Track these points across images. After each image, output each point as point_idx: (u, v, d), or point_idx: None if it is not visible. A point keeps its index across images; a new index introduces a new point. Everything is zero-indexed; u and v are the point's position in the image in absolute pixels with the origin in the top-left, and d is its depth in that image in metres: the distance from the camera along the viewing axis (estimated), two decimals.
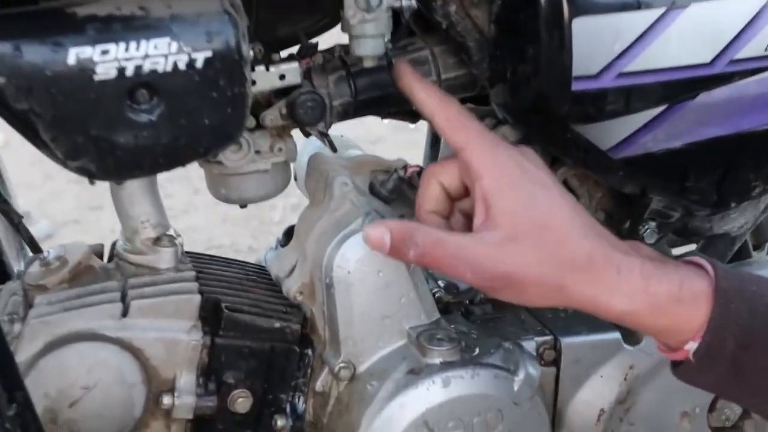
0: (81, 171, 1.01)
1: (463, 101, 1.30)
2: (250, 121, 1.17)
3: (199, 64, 0.98)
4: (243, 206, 1.27)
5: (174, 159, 1.03)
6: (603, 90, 1.08)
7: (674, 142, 1.14)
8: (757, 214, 1.32)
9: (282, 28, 1.22)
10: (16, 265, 1.39)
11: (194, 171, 1.22)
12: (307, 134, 1.25)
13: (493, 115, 1.27)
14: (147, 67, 0.96)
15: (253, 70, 1.10)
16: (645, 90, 1.09)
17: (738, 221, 1.31)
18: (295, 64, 1.13)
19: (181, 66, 0.97)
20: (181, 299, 1.18)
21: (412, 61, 1.22)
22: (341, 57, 1.21)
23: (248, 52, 1.01)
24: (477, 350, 1.18)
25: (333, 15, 1.21)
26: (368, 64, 1.12)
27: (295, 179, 1.41)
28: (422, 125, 1.48)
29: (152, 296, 1.17)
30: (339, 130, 1.27)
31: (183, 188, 3.30)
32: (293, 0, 1.28)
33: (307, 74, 1.16)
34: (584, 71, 1.07)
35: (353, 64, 1.21)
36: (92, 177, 1.03)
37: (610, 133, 1.12)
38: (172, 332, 1.17)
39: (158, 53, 0.96)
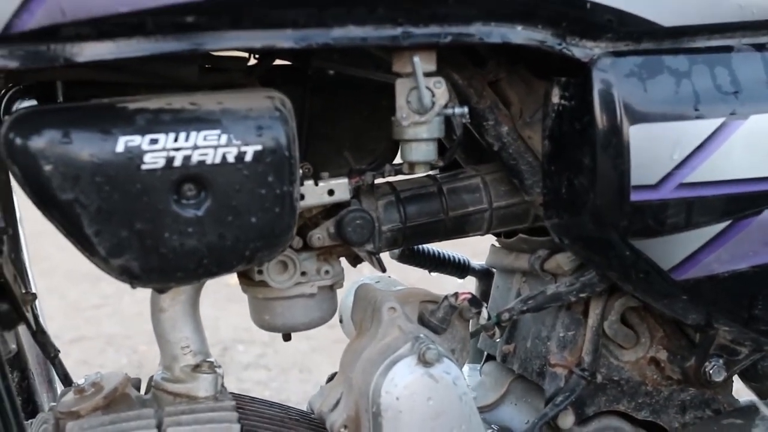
0: (123, 271, 0.97)
1: (514, 233, 1.27)
2: (297, 242, 1.14)
3: (248, 158, 0.96)
4: (287, 338, 1.23)
5: (220, 262, 1.00)
6: (663, 201, 1.05)
7: (740, 263, 1.09)
8: None
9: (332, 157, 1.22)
10: (47, 400, 1.33)
11: None
12: (354, 262, 1.22)
13: (546, 246, 1.23)
14: (196, 158, 0.94)
15: (301, 184, 1.09)
16: (707, 203, 1.05)
17: None
18: (344, 180, 1.11)
19: (230, 159, 0.95)
20: (219, 428, 1.11)
21: (464, 189, 1.20)
22: (390, 183, 1.19)
23: (297, 152, 0.99)
24: None
25: (384, 158, 1.21)
26: (420, 170, 1.09)
27: (341, 321, 1.37)
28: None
29: (189, 424, 1.11)
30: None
31: None
32: (342, 139, 1.29)
33: (356, 194, 1.14)
34: (643, 181, 1.04)
35: (403, 189, 1.19)
36: (134, 279, 0.99)
37: (671, 251, 1.08)
38: None
39: (208, 144, 0.95)
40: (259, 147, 0.97)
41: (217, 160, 0.95)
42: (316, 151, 1.31)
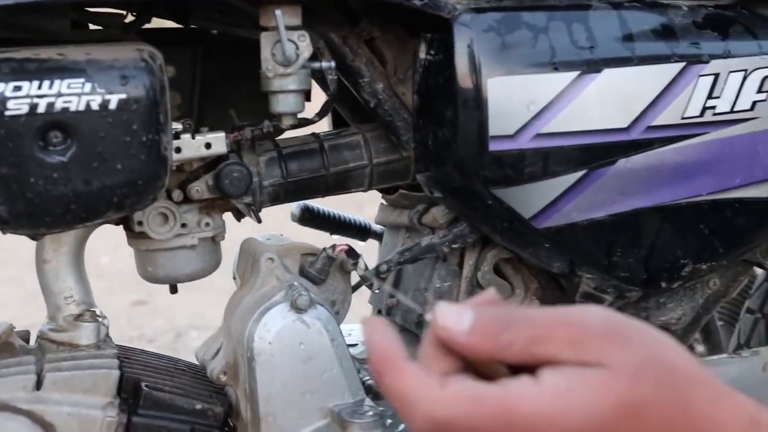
0: None
1: (396, 189, 1.32)
2: (178, 195, 1.18)
3: (112, 106, 1.00)
4: (173, 290, 1.26)
5: (88, 208, 1.03)
6: (521, 151, 1.09)
7: (597, 212, 1.14)
8: (695, 306, 1.29)
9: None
10: None
11: None
12: (239, 216, 1.26)
13: (424, 200, 1.27)
14: (59, 105, 0.98)
15: (178, 138, 1.12)
16: (563, 152, 1.10)
17: (675, 312, 1.28)
18: (221, 134, 1.15)
19: (95, 106, 0.99)
20: (98, 374, 1.14)
21: (345, 146, 1.24)
22: (274, 141, 1.23)
23: (166, 103, 1.03)
24: (401, 427, 1.14)
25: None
26: (288, 122, 1.13)
27: (234, 278, 1.40)
28: None
29: (69, 370, 1.14)
30: None
31: None
32: (240, 104, 1.32)
33: (236, 149, 1.18)
34: (501, 131, 1.08)
35: (285, 146, 1.23)
36: (3, 225, 1.02)
37: (531, 200, 1.12)
38: (86, 408, 1.13)
39: (72, 92, 0.98)
40: (123, 96, 1.00)
41: (81, 108, 0.99)
42: (214, 116, 1.35)
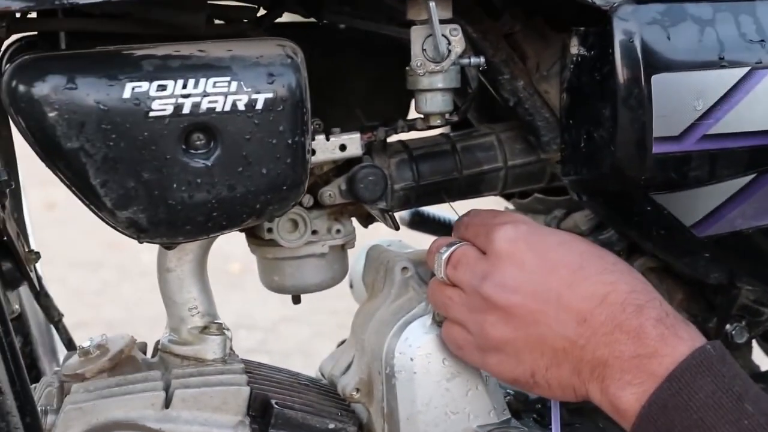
0: (130, 224, 0.94)
1: (530, 193, 1.25)
2: (308, 200, 1.11)
3: (259, 106, 0.93)
4: (296, 301, 1.20)
5: (230, 215, 0.97)
6: (686, 153, 1.02)
7: (765, 219, 1.06)
8: None
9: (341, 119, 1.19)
10: (49, 366, 1.30)
11: None
12: (366, 222, 1.19)
13: (563, 205, 1.20)
14: (205, 105, 0.91)
15: (313, 139, 1.06)
16: (731, 155, 1.02)
17: None
18: (356, 135, 1.08)
19: (241, 106, 0.92)
20: (228, 391, 1.08)
21: (478, 147, 1.17)
22: (402, 142, 1.16)
23: (309, 102, 0.96)
24: None
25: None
26: (435, 122, 1.06)
27: (351, 286, 1.34)
28: None
29: (197, 386, 1.08)
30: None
31: None
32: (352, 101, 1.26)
33: (368, 151, 1.11)
34: (666, 132, 1.01)
35: (415, 147, 1.16)
36: (142, 233, 0.95)
37: (694, 206, 1.04)
38: (217, 427, 1.07)
39: (217, 92, 0.92)
40: (270, 95, 0.94)
41: (227, 108, 0.92)
42: (326, 113, 1.28)
